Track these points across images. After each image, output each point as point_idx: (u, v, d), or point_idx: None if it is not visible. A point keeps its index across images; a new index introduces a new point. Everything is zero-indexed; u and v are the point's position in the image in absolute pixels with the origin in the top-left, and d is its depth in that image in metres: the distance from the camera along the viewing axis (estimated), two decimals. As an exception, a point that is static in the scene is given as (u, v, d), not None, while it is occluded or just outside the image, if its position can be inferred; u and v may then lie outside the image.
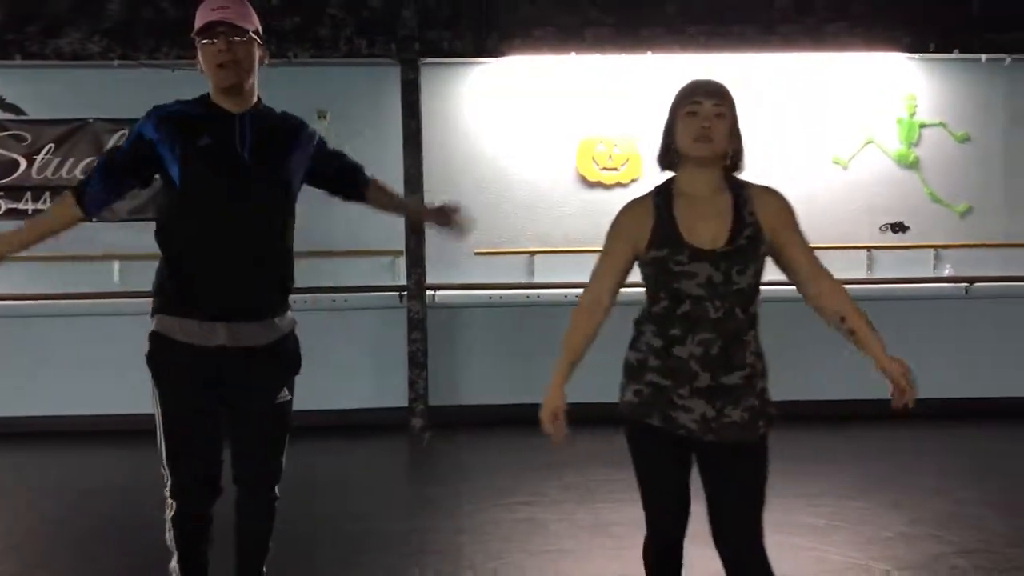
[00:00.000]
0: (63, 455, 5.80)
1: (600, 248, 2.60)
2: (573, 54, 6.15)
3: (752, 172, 6.42)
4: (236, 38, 2.62)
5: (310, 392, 6.10)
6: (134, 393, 6.07)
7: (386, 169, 6.30)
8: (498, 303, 6.38)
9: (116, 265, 6.25)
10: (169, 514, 2.77)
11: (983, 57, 6.18)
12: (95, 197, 2.73)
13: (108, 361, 6.19)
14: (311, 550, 4.02)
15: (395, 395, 6.22)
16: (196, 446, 2.72)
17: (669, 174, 2.56)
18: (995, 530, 4.11)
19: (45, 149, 6.22)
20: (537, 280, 6.42)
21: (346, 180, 2.99)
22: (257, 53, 2.71)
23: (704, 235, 2.45)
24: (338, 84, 6.35)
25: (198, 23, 2.65)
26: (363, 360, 6.34)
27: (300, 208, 2.87)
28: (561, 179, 6.46)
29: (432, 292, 6.25)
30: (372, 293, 6.30)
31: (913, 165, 6.43)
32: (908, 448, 5.55)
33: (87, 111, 6.24)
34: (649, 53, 6.09)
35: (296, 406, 6.47)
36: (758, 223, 2.47)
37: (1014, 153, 6.47)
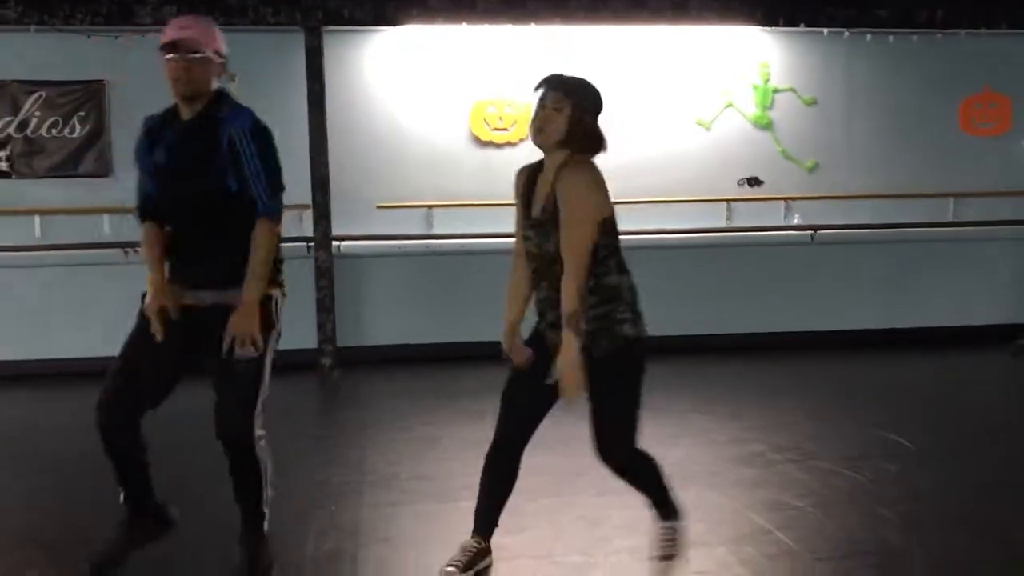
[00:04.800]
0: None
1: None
2: (465, 24, 6.73)
3: (625, 134, 7.12)
4: (192, 55, 3.05)
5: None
6: (56, 338, 6.61)
7: (292, 129, 6.85)
8: (399, 252, 6.99)
9: (37, 219, 6.64)
10: None
11: (825, 31, 7.01)
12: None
13: (32, 310, 6.64)
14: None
15: (305, 338, 6.78)
16: (121, 373, 3.13)
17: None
18: (806, 432, 4.99)
19: (-36, 109, 6.55)
20: (435, 231, 7.03)
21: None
22: (214, 69, 3.13)
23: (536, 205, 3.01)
24: (246, 49, 6.71)
25: (161, 39, 3.10)
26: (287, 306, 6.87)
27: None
28: (456, 139, 7.05)
29: (337, 243, 6.80)
30: (281, 244, 6.81)
31: (767, 126, 7.25)
32: (752, 375, 6.43)
33: (4, 73, 6.56)
34: (534, 24, 6.71)
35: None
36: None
37: (854, 115, 7.34)
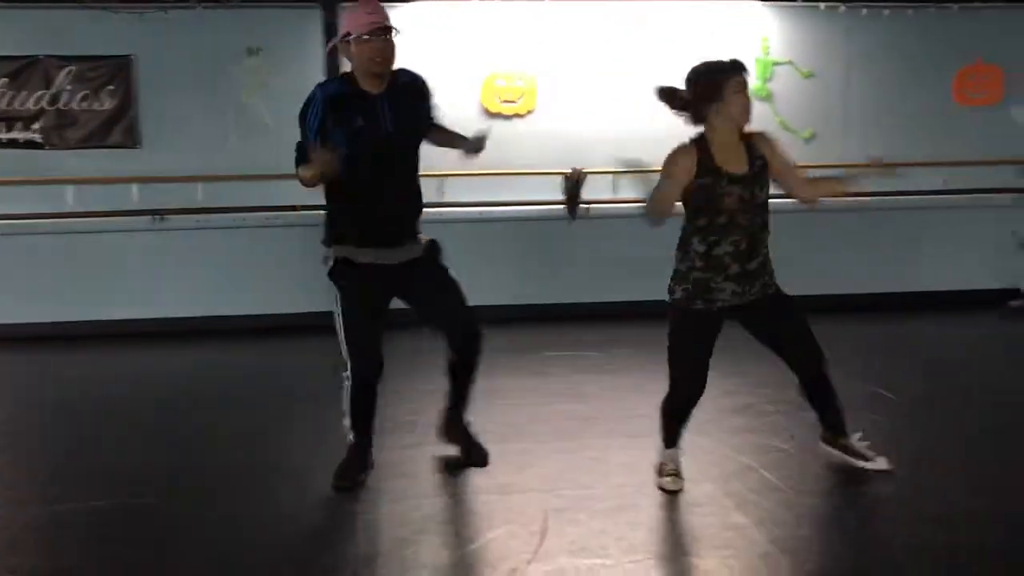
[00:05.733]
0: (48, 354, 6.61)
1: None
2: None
3: (630, 105, 7.34)
4: (388, 36, 3.61)
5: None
6: (86, 300, 6.95)
7: (312, 102, 7.15)
8: (413, 219, 7.29)
9: (70, 188, 6.97)
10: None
11: (821, 5, 7.27)
12: None
13: (64, 274, 6.99)
14: (318, 401, 5.02)
15: (326, 301, 7.10)
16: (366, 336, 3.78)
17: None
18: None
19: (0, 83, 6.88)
20: (447, 200, 7.34)
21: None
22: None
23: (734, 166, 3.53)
24: (268, 24, 7.09)
25: (359, 24, 3.57)
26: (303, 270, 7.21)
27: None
28: (467, 110, 7.33)
29: (355, 210, 7.11)
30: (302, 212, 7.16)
31: (767, 98, 7.52)
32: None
33: (37, 49, 6.89)
34: (543, -1, 7.00)
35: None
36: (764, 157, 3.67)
37: (850, 87, 7.61)
